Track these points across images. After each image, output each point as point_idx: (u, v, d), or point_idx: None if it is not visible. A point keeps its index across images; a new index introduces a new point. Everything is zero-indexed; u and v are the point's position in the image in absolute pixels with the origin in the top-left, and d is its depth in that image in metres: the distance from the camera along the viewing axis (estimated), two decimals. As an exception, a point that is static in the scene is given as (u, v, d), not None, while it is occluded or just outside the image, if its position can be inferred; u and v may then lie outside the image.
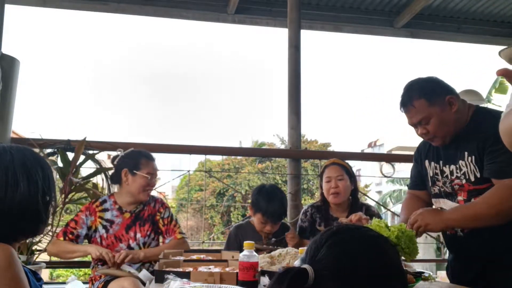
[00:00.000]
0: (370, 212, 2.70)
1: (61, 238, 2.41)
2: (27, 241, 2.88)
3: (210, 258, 2.09)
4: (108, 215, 2.48)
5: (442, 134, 1.88)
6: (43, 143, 3.30)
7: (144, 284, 2.09)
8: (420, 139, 2.08)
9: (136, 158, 2.51)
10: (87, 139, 3.25)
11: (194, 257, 2.09)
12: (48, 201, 1.29)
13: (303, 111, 3.98)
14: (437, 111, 1.84)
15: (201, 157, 6.71)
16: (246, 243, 1.66)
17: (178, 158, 4.35)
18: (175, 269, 1.78)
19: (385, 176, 4.12)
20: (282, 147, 15.87)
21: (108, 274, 2.28)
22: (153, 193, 2.73)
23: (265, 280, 1.71)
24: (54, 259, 3.65)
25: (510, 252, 1.77)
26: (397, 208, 12.54)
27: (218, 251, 2.29)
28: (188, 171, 3.94)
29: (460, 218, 1.77)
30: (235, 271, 1.70)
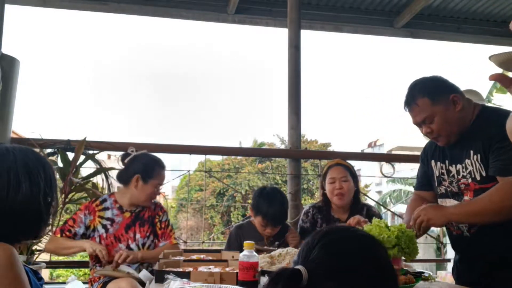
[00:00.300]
0: (371, 213, 2.70)
1: (58, 235, 2.41)
2: (29, 241, 2.88)
3: (210, 258, 2.09)
4: (108, 214, 2.49)
5: (446, 133, 1.87)
6: (43, 143, 3.30)
7: (144, 284, 2.08)
8: (423, 140, 2.09)
9: (151, 166, 2.50)
10: (87, 139, 3.25)
11: (194, 257, 2.09)
12: (50, 202, 1.29)
13: (303, 111, 3.98)
14: (441, 110, 1.83)
15: (201, 157, 6.70)
16: (246, 243, 1.66)
17: (178, 158, 4.35)
18: (175, 269, 1.78)
19: (385, 176, 4.12)
20: (282, 147, 15.87)
21: (107, 275, 2.28)
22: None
23: (265, 280, 1.71)
24: (54, 259, 3.66)
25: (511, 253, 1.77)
26: (397, 208, 12.56)
27: (218, 251, 2.29)
28: (188, 171, 3.94)
29: (462, 213, 1.77)
30: (235, 271, 1.70)
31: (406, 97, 1.92)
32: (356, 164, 3.35)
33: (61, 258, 4.94)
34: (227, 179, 15.40)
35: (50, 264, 3.46)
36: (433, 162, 2.03)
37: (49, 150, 3.33)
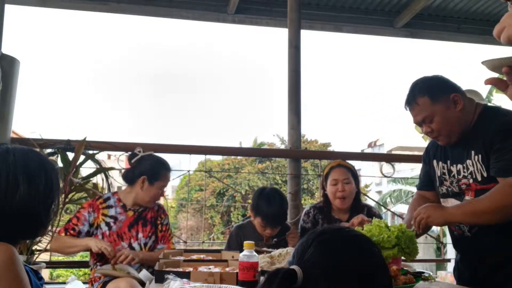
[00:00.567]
0: (371, 213, 2.70)
1: (62, 234, 2.43)
2: (27, 241, 2.88)
3: (210, 258, 2.09)
4: (112, 212, 2.50)
5: (446, 132, 1.87)
6: (43, 143, 3.30)
7: (144, 284, 2.09)
8: (424, 140, 2.09)
9: (158, 168, 2.52)
10: (87, 139, 3.25)
11: (194, 257, 2.09)
12: (50, 205, 1.29)
13: (303, 111, 3.98)
14: (441, 109, 1.83)
15: (201, 157, 6.70)
16: (246, 243, 1.66)
17: (178, 158, 4.35)
18: (175, 269, 1.78)
19: (385, 176, 4.11)
20: (282, 147, 15.87)
21: (107, 274, 2.28)
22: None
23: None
24: (54, 259, 3.66)
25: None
26: (397, 208, 12.55)
27: (218, 251, 2.29)
28: (188, 171, 3.93)
29: (461, 214, 1.77)
30: (235, 271, 1.70)
31: (407, 96, 1.92)
32: (356, 164, 3.35)
33: (60, 258, 4.95)
34: (227, 179, 15.40)
35: (50, 264, 3.46)
36: (435, 162, 2.03)
37: (49, 150, 3.33)
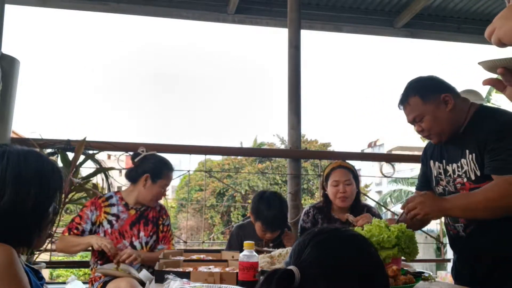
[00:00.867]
0: (371, 213, 2.70)
1: (66, 234, 2.44)
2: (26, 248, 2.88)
3: (210, 258, 2.09)
4: (114, 210, 2.51)
5: (436, 131, 1.89)
6: (43, 143, 3.30)
7: (144, 284, 2.09)
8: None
9: (160, 167, 2.55)
10: (87, 139, 3.25)
11: (194, 257, 2.09)
12: (43, 212, 1.24)
13: (303, 111, 3.98)
14: (431, 108, 1.86)
15: (201, 157, 6.71)
16: (246, 243, 1.66)
17: (178, 158, 4.34)
18: (175, 269, 1.78)
19: (385, 176, 4.11)
20: (282, 147, 15.87)
21: (108, 274, 2.28)
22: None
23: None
24: (54, 259, 3.66)
25: (508, 253, 1.76)
26: (397, 208, 12.55)
27: (218, 251, 2.29)
28: (188, 171, 3.94)
29: (457, 208, 1.78)
30: (235, 271, 1.70)
31: (401, 96, 1.95)
32: (356, 164, 3.35)
33: (60, 258, 4.95)
34: (227, 179, 15.40)
35: (50, 264, 3.46)
36: (431, 162, 2.04)
37: (49, 150, 3.33)
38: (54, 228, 3.06)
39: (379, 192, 22.72)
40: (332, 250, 0.89)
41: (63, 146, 3.28)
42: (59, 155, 3.25)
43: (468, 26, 5.14)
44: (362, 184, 17.29)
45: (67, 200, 3.18)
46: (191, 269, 1.78)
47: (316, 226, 2.71)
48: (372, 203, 4.56)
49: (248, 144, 17.74)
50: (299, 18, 4.05)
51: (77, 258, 6.36)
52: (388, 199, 15.94)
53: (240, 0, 4.42)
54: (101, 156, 3.57)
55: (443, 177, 1.97)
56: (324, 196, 2.77)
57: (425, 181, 2.12)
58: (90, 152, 3.33)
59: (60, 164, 3.20)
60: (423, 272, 1.83)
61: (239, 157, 16.06)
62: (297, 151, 3.93)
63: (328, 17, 4.85)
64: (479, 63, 0.97)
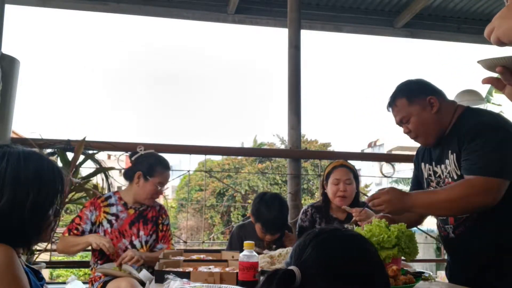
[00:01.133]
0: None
1: (66, 234, 2.45)
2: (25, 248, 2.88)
3: (210, 258, 2.09)
4: (113, 210, 2.52)
5: (422, 133, 1.93)
6: (43, 143, 3.30)
7: (144, 284, 2.09)
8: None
9: (153, 164, 2.53)
10: (86, 139, 3.25)
11: (194, 257, 2.09)
12: (42, 215, 1.23)
13: (303, 111, 3.98)
14: (417, 110, 1.91)
15: (201, 157, 6.71)
16: (246, 243, 1.66)
17: (178, 158, 4.35)
18: (175, 269, 1.78)
19: (385, 176, 4.11)
20: (282, 147, 15.86)
21: (108, 274, 2.28)
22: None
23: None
24: (54, 259, 3.66)
25: (502, 254, 1.78)
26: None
27: (218, 251, 2.29)
28: (188, 171, 3.94)
29: (421, 205, 1.81)
30: (235, 271, 1.70)
31: (389, 98, 2.00)
32: (356, 164, 3.35)
33: (60, 258, 4.95)
34: (227, 179, 15.39)
35: (50, 264, 3.46)
36: (422, 164, 2.08)
37: (49, 150, 3.33)
38: (54, 228, 3.06)
39: (379, 192, 22.68)
40: (332, 250, 0.89)
41: (63, 146, 3.28)
42: (58, 155, 3.25)
43: (468, 26, 5.14)
44: (362, 184, 17.30)
45: (67, 200, 3.18)
46: (191, 269, 1.78)
47: (315, 226, 2.73)
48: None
49: (248, 144, 17.74)
50: (299, 18, 4.05)
51: (77, 258, 6.35)
52: (388, 199, 15.89)
53: (240, 0, 4.42)
54: (101, 156, 3.57)
55: (433, 178, 2.00)
56: (323, 195, 2.78)
57: (417, 184, 2.16)
58: (90, 152, 3.33)
59: (60, 164, 3.20)
60: (423, 272, 1.83)
61: (239, 157, 16.05)
62: (297, 151, 3.93)
63: (328, 17, 4.85)
64: (478, 62, 0.97)
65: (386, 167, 4.04)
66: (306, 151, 5.22)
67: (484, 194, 1.70)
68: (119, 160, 3.56)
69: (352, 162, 2.95)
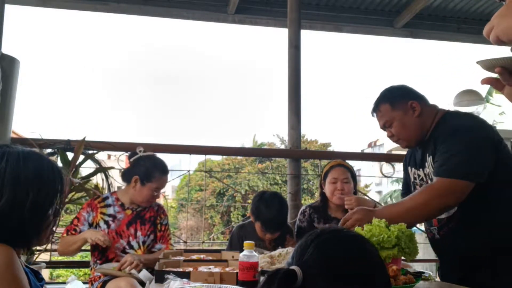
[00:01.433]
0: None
1: (65, 235, 2.45)
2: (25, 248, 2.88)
3: (210, 258, 2.09)
4: (110, 211, 2.51)
5: (404, 136, 1.98)
6: (43, 143, 3.30)
7: (144, 284, 2.08)
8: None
9: (151, 170, 2.50)
10: (86, 139, 3.25)
11: (194, 257, 2.09)
12: (42, 216, 1.23)
13: (303, 111, 3.98)
14: (399, 115, 1.96)
15: (201, 157, 6.70)
16: (246, 243, 1.66)
17: (178, 158, 4.35)
18: (175, 269, 1.78)
19: (385, 176, 4.11)
20: (282, 147, 15.86)
21: (107, 274, 2.28)
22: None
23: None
24: (54, 259, 3.66)
25: (488, 253, 1.80)
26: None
27: (218, 251, 2.29)
28: (188, 171, 3.94)
29: (388, 218, 1.78)
30: (235, 271, 1.70)
31: (373, 104, 2.06)
32: (356, 164, 3.36)
33: (60, 258, 4.94)
34: (227, 179, 15.40)
35: (50, 264, 3.46)
36: (409, 168, 2.13)
37: (49, 150, 3.33)
38: (54, 228, 3.06)
39: (379, 192, 22.72)
40: (333, 250, 0.90)
41: (63, 146, 3.28)
42: (58, 155, 3.25)
43: (468, 26, 5.14)
44: (362, 184, 17.30)
45: (67, 200, 3.18)
46: (191, 269, 1.78)
47: (313, 226, 2.73)
48: (372, 203, 4.55)
49: (248, 144, 17.74)
50: (299, 18, 4.05)
51: (77, 258, 6.35)
52: (389, 199, 15.95)
53: (240, 0, 4.42)
54: (101, 156, 3.57)
55: (417, 181, 2.05)
56: (322, 195, 2.79)
57: (406, 187, 2.20)
58: (90, 152, 3.33)
59: (60, 164, 3.20)
60: (423, 272, 1.83)
61: (239, 157, 16.05)
62: (297, 151, 3.93)
63: (328, 17, 4.86)
64: (477, 62, 0.97)
65: (386, 167, 4.04)
66: (306, 151, 5.22)
67: (446, 196, 1.75)
68: (119, 160, 3.56)
69: (352, 162, 2.96)
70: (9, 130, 3.12)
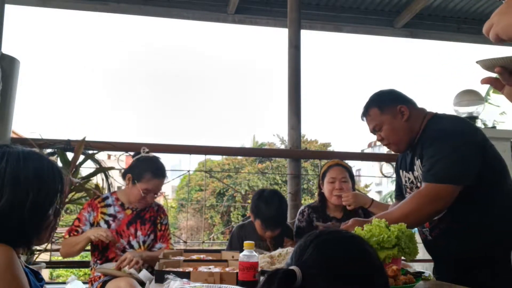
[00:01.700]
0: (366, 211, 2.72)
1: (67, 236, 2.45)
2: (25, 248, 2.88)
3: (210, 258, 2.09)
4: (110, 210, 2.51)
5: (394, 140, 2.01)
6: (43, 143, 3.30)
7: (144, 284, 2.08)
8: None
9: (143, 170, 2.48)
10: (86, 139, 3.25)
11: (194, 257, 2.09)
12: (42, 216, 1.23)
13: (303, 111, 3.98)
14: (388, 119, 1.99)
15: (201, 157, 6.70)
16: (246, 243, 1.65)
17: (178, 158, 4.35)
18: (175, 269, 1.78)
19: (385, 176, 4.11)
20: (282, 147, 15.86)
21: (107, 273, 2.28)
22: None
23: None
24: (54, 259, 3.65)
25: (478, 253, 1.81)
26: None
27: (218, 251, 2.29)
28: (188, 171, 3.93)
29: None
30: (235, 271, 1.70)
31: (363, 108, 2.08)
32: (356, 164, 3.36)
33: (60, 258, 4.95)
34: (227, 179, 15.40)
35: (50, 264, 3.46)
36: (400, 171, 2.15)
37: (49, 150, 3.33)
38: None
39: (379, 192, 22.72)
40: (332, 251, 0.90)
41: (63, 146, 3.28)
42: (58, 155, 3.25)
43: (468, 26, 5.14)
44: (362, 184, 17.31)
45: (67, 200, 3.18)
46: (191, 269, 1.78)
47: (312, 226, 2.73)
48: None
49: (248, 145, 17.75)
50: (299, 18, 4.05)
51: (77, 258, 6.34)
52: (388, 199, 15.93)
53: (240, 0, 4.42)
54: (101, 156, 3.57)
55: (408, 184, 2.06)
56: (320, 195, 2.79)
57: (399, 190, 2.22)
58: (90, 152, 3.33)
59: (60, 164, 3.20)
60: (423, 272, 1.83)
61: (239, 157, 16.06)
62: (297, 151, 3.93)
63: (328, 17, 4.85)
64: (477, 62, 0.97)
65: (386, 167, 4.04)
66: (306, 151, 5.22)
67: (435, 202, 1.78)
68: (119, 160, 3.56)
69: (352, 162, 2.96)
70: (9, 130, 3.12)
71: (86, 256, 5.28)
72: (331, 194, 2.70)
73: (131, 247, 2.46)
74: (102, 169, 3.37)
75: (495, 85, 1.02)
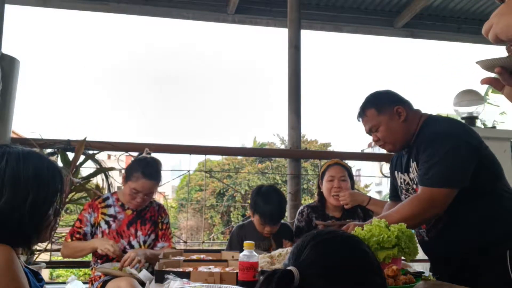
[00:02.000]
0: (366, 211, 2.73)
1: (69, 240, 2.44)
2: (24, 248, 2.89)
3: (210, 258, 2.09)
4: (111, 211, 2.51)
5: (390, 140, 2.01)
6: (43, 143, 3.30)
7: (144, 284, 2.08)
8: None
9: (134, 168, 2.48)
10: (87, 139, 3.25)
11: (194, 257, 2.09)
12: (42, 215, 1.23)
13: (303, 111, 3.99)
14: (385, 119, 1.99)
15: (201, 157, 6.71)
16: (246, 243, 1.66)
17: (178, 158, 4.36)
18: (175, 269, 1.78)
19: (385, 176, 4.11)
20: (282, 147, 15.87)
21: (107, 273, 2.28)
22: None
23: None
24: (54, 259, 3.66)
25: (474, 254, 1.82)
26: (397, 208, 12.52)
27: (218, 251, 2.29)
28: (188, 171, 3.94)
29: None
30: (235, 271, 1.70)
31: (359, 109, 2.08)
32: (356, 164, 3.37)
33: (60, 258, 4.95)
34: (227, 179, 15.39)
35: (50, 264, 3.46)
36: (396, 172, 2.14)
37: (49, 150, 3.33)
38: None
39: (379, 192, 22.70)
40: (330, 251, 0.90)
41: (63, 146, 3.29)
42: (59, 155, 3.25)
43: (468, 26, 5.14)
44: (362, 184, 17.30)
45: (67, 200, 3.18)
46: (191, 269, 1.78)
47: (311, 225, 2.73)
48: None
49: (249, 145, 17.74)
50: (299, 18, 4.05)
51: (88, 254, 6.35)
52: (388, 199, 15.89)
53: (240, 0, 4.42)
54: (101, 156, 3.57)
55: (403, 186, 2.07)
56: (319, 195, 2.80)
57: (394, 191, 2.22)
58: (90, 152, 3.33)
59: (60, 164, 3.20)
60: (423, 272, 1.83)
61: (239, 157, 16.06)
62: (297, 151, 3.93)
63: (328, 17, 4.86)
64: (476, 62, 0.97)
65: (386, 167, 4.02)
66: (306, 151, 5.23)
67: (432, 206, 1.80)
68: (119, 160, 3.56)
69: (352, 162, 2.96)
70: (9, 130, 3.12)
71: (86, 256, 5.29)
72: (329, 192, 2.71)
73: (132, 247, 2.46)
74: (102, 170, 3.37)
75: (495, 85, 1.02)
